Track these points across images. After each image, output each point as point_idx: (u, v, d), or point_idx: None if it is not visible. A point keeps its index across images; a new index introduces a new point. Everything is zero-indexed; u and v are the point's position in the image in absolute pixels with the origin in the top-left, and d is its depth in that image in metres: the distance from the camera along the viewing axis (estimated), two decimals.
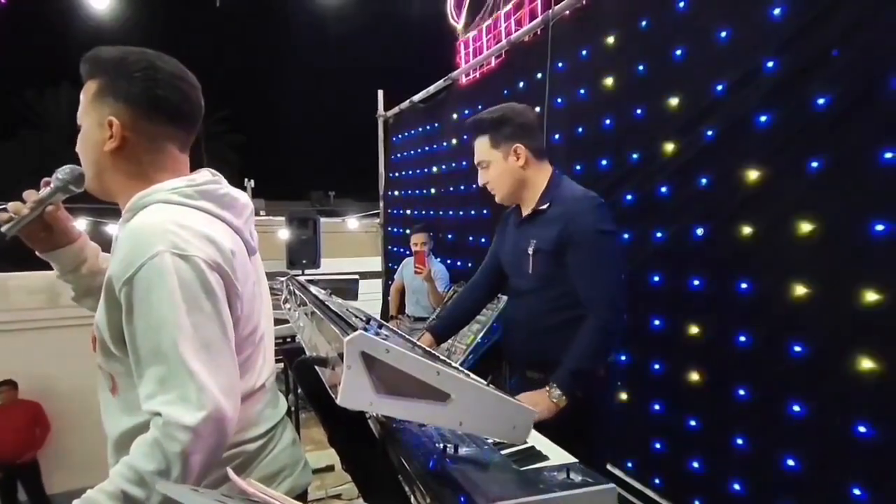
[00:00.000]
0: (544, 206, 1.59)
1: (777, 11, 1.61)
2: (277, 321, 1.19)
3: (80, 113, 0.97)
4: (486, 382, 0.83)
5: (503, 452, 0.87)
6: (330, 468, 2.94)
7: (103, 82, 0.94)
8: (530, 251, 1.59)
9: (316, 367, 0.93)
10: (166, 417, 0.78)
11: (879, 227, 1.36)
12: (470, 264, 3.55)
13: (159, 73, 0.94)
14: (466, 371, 0.91)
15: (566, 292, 1.54)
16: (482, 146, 1.66)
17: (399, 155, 4.70)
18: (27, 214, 1.01)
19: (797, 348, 1.55)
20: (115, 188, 0.97)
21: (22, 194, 1.04)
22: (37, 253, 1.10)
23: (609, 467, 2.09)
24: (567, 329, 1.50)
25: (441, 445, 0.86)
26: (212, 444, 0.80)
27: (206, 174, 1.01)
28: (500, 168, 1.64)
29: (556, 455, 0.88)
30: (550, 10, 2.57)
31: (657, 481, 2.07)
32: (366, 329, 0.76)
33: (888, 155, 1.35)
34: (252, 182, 10.44)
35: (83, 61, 0.96)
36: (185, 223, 0.86)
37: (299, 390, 2.05)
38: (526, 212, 1.66)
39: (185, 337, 0.81)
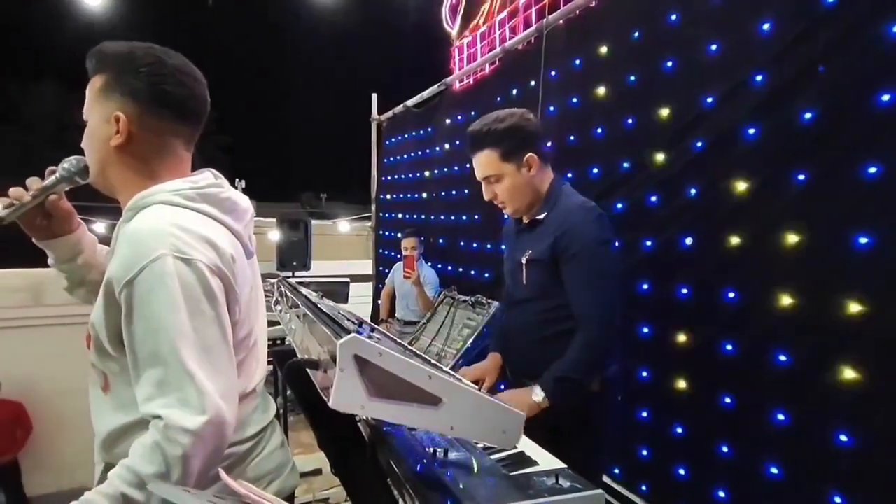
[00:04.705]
0: (542, 216, 1.55)
1: (766, 27, 1.65)
2: (267, 323, 1.19)
3: (85, 108, 0.97)
4: (477, 387, 0.83)
5: (493, 457, 0.88)
6: (318, 472, 2.92)
7: (109, 77, 0.93)
8: (524, 261, 1.56)
9: (307, 370, 0.93)
10: (167, 420, 0.77)
11: (863, 240, 1.39)
12: (461, 269, 3.55)
13: (166, 68, 0.93)
14: (458, 376, 0.92)
15: (561, 304, 1.51)
16: (490, 160, 1.54)
17: (391, 159, 4.70)
18: (28, 201, 1.00)
19: (782, 357, 1.58)
20: (119, 184, 0.96)
21: (25, 181, 1.03)
22: (34, 240, 1.09)
23: None
24: (562, 340, 1.49)
25: (431, 450, 0.87)
26: (212, 447, 0.80)
27: (208, 176, 1.00)
28: (515, 180, 1.54)
29: (546, 460, 0.89)
30: (545, 20, 2.60)
31: (643, 488, 2.08)
32: (358, 332, 0.77)
33: (872, 169, 1.38)
34: (243, 182, 10.35)
35: (89, 56, 0.96)
36: (186, 226, 0.86)
37: (288, 392, 2.05)
38: (525, 220, 1.62)
39: (185, 340, 0.80)
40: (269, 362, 1.29)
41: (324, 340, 0.86)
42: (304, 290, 1.55)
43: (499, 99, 3.07)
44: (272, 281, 1.86)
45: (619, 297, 1.51)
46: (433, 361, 0.96)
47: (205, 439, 0.78)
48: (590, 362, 1.47)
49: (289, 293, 1.52)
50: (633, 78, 2.14)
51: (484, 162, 1.56)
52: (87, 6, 6.44)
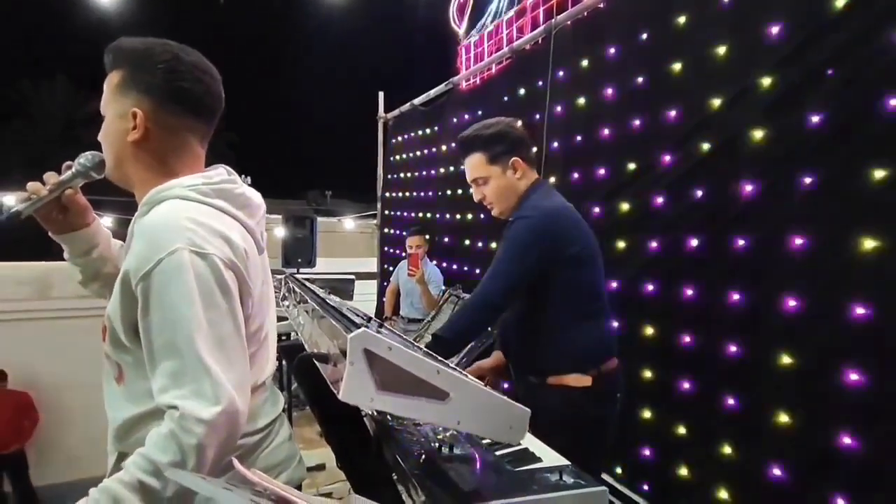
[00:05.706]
0: (511, 219, 1.59)
1: (774, 30, 1.65)
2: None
3: (102, 103, 0.98)
4: (483, 383, 0.84)
5: (497, 453, 0.89)
6: (321, 467, 2.94)
7: (126, 73, 0.95)
8: None
9: (317, 363, 0.94)
10: (183, 410, 0.79)
11: (870, 244, 1.40)
12: (465, 267, 3.57)
13: (182, 64, 0.95)
14: (464, 372, 0.93)
15: (545, 300, 1.52)
16: (478, 163, 1.63)
17: (397, 157, 4.72)
18: (45, 196, 1.02)
19: (786, 360, 1.58)
20: (135, 178, 0.98)
21: (42, 176, 1.05)
22: (50, 234, 1.10)
23: None
24: (554, 335, 1.51)
25: (436, 445, 0.88)
26: (225, 437, 0.82)
27: (222, 172, 1.02)
28: (501, 183, 1.62)
29: (550, 457, 0.90)
30: (552, 20, 2.60)
31: (645, 487, 2.09)
32: (367, 327, 0.78)
33: (879, 173, 1.38)
34: (248, 179, 10.41)
35: (107, 52, 0.97)
36: (201, 220, 0.88)
37: (294, 385, 2.07)
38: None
39: (200, 333, 0.82)
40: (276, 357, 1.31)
41: (333, 335, 0.87)
42: (311, 286, 1.57)
43: (505, 98, 3.08)
44: (279, 277, 1.88)
45: (508, 282, 1.50)
46: (440, 357, 0.98)
47: (218, 429, 0.80)
48: (456, 326, 1.54)
49: (297, 288, 1.53)
50: (640, 79, 2.15)
51: (472, 165, 1.65)
52: (98, 4, 6.46)
